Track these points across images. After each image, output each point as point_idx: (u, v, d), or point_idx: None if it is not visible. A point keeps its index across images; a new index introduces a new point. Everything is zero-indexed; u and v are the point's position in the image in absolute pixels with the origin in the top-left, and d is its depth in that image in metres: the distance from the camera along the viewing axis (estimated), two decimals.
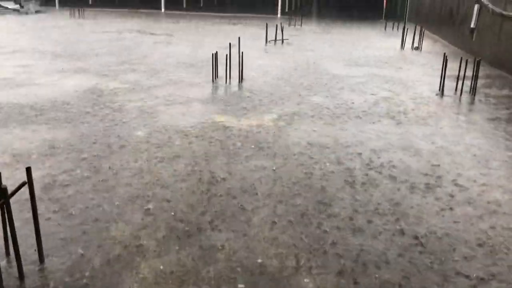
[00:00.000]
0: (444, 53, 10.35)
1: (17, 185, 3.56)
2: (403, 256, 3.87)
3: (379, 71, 12.20)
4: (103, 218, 4.34)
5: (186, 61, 13.01)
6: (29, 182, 3.44)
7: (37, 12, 28.75)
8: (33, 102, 8.26)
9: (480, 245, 4.07)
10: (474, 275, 3.64)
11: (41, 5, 31.43)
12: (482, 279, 3.60)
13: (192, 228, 4.22)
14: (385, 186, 5.20)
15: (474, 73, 9.57)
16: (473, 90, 9.65)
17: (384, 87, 10.33)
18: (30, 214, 3.83)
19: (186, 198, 4.79)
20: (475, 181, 5.42)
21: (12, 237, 3.37)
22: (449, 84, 10.26)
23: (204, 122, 7.40)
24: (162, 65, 12.30)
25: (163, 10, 33.01)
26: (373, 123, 7.60)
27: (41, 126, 6.98)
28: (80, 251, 3.81)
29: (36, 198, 3.66)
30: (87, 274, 3.53)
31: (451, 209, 4.72)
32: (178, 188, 5.02)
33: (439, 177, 5.50)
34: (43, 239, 3.72)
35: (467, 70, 9.77)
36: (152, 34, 19.38)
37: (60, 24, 22.53)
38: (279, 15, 31.34)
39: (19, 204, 4.41)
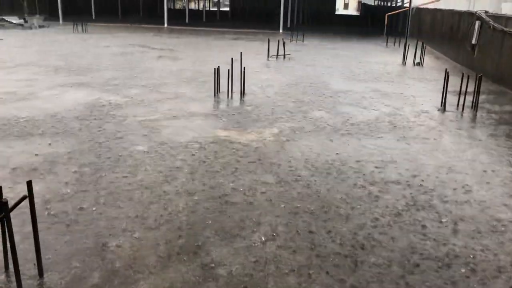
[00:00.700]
0: (446, 69, 10.39)
1: (17, 199, 3.54)
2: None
3: (380, 87, 12.23)
4: (104, 233, 4.31)
5: (188, 75, 13.07)
6: (30, 195, 3.42)
7: (40, 27, 29.02)
8: (35, 116, 8.28)
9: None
10: None
11: (45, 19, 31.75)
12: None
13: (190, 246, 4.19)
14: (385, 201, 5.16)
15: (476, 89, 9.58)
16: (475, 106, 9.66)
17: (386, 102, 10.35)
18: (30, 228, 3.81)
19: (188, 215, 4.76)
20: (477, 197, 5.38)
21: (12, 251, 3.34)
22: (451, 100, 10.28)
23: (206, 136, 7.39)
24: (164, 79, 12.36)
25: (165, 25, 33.31)
26: (375, 138, 7.59)
27: (43, 140, 6.98)
28: (79, 265, 3.78)
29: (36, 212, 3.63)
30: None
31: (453, 224, 4.68)
32: (178, 203, 4.99)
33: (440, 192, 5.47)
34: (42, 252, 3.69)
35: (468, 86, 9.79)
36: (154, 48, 19.52)
37: (64, 39, 22.72)
38: (281, 31, 31.59)
39: (18, 219, 4.38)
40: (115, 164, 6.07)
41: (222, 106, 9.66)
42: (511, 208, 5.11)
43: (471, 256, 4.11)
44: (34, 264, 3.67)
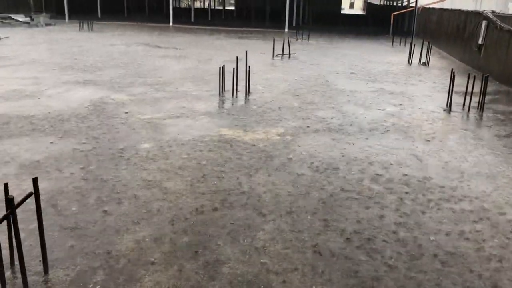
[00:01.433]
0: (452, 69, 10.34)
1: (23, 196, 3.55)
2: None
3: (386, 86, 12.19)
4: (109, 230, 4.32)
5: (194, 74, 13.09)
6: (36, 192, 3.44)
7: (47, 25, 29.13)
8: (40, 114, 8.32)
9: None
10: None
11: (51, 18, 31.85)
12: None
13: (197, 245, 4.19)
14: (391, 200, 5.15)
15: (482, 89, 9.53)
16: (481, 106, 9.61)
17: (391, 102, 10.31)
18: (35, 225, 3.83)
19: (193, 213, 4.76)
20: (483, 198, 5.36)
21: (18, 248, 3.36)
22: (457, 100, 10.23)
23: (211, 135, 7.40)
24: (169, 78, 12.37)
25: (171, 23, 33.35)
26: (380, 138, 7.57)
27: (49, 138, 7.01)
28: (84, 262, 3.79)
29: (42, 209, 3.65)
30: (90, 286, 3.50)
31: (456, 225, 4.66)
32: (184, 201, 5.00)
33: (445, 193, 5.44)
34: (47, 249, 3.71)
35: (474, 86, 9.74)
36: (160, 47, 19.55)
37: (69, 37, 22.80)
38: (286, 30, 31.56)
39: (25, 215, 4.40)
40: (120, 162, 6.08)
41: (227, 105, 9.67)
42: None
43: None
44: (40, 260, 3.69)
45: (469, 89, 9.77)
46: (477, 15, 15.88)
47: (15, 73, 12.38)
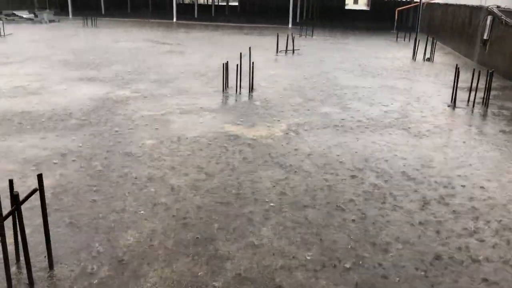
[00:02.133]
0: (456, 65, 10.29)
1: (28, 191, 3.57)
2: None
3: (390, 82, 12.15)
4: (115, 226, 4.34)
5: (197, 70, 13.08)
6: (40, 189, 3.45)
7: (50, 21, 29.16)
8: (45, 110, 8.34)
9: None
10: None
11: (55, 14, 31.88)
12: None
13: (200, 239, 4.20)
14: (395, 197, 5.14)
15: (487, 85, 9.48)
16: (486, 102, 9.56)
17: (396, 98, 10.28)
18: (40, 220, 3.85)
19: (196, 208, 4.77)
20: (487, 193, 5.34)
21: (23, 243, 3.37)
22: (462, 96, 10.19)
23: (214, 131, 7.40)
24: (173, 74, 12.38)
25: (174, 19, 33.32)
26: (384, 134, 7.56)
27: (53, 134, 7.03)
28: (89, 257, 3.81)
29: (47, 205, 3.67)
30: (95, 281, 3.52)
31: (457, 220, 4.65)
32: (188, 196, 5.01)
33: (451, 189, 5.43)
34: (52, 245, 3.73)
35: (479, 81, 9.68)
36: (164, 43, 19.55)
37: (73, 33, 22.83)
38: (290, 25, 31.48)
39: (29, 211, 4.43)
40: (124, 158, 6.10)
41: (231, 101, 9.66)
42: None
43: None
44: (45, 256, 3.71)
45: (474, 85, 9.72)
46: (482, 10, 15.78)
47: (19, 69, 12.41)
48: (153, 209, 4.69)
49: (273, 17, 35.00)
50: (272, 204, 4.88)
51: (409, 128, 7.94)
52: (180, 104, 9.14)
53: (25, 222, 3.51)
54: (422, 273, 3.77)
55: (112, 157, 6.13)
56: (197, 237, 4.19)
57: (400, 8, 31.34)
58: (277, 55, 16.85)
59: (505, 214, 4.86)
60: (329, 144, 6.92)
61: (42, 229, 3.65)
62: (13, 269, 3.59)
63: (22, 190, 4.87)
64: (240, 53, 10.96)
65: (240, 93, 10.20)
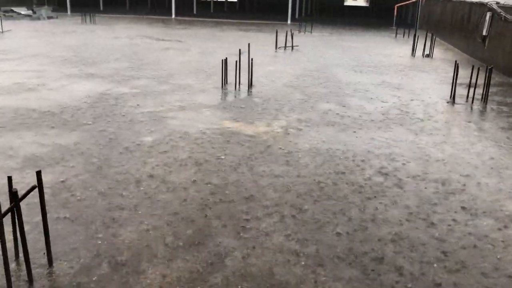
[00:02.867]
0: (455, 61, 10.28)
1: (27, 189, 3.56)
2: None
3: (389, 78, 12.14)
4: (114, 224, 4.34)
5: (196, 67, 13.06)
6: (39, 186, 3.45)
7: (49, 17, 29.06)
8: (44, 107, 8.33)
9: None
10: None
11: (53, 10, 31.78)
12: None
13: (198, 235, 4.21)
14: (395, 194, 5.15)
15: (486, 81, 9.48)
16: (485, 98, 9.56)
17: (395, 94, 10.27)
18: (39, 217, 3.84)
19: (194, 205, 4.77)
20: (486, 189, 5.35)
21: (22, 240, 3.37)
22: (461, 92, 10.18)
23: (213, 128, 7.40)
24: (172, 71, 12.35)
25: (173, 16, 33.23)
26: (384, 130, 7.55)
27: (52, 131, 7.02)
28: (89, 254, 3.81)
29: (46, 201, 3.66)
30: (95, 278, 3.52)
31: (456, 219, 4.66)
32: (186, 194, 5.01)
33: (449, 186, 5.44)
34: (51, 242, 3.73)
35: (479, 78, 9.68)
36: (162, 40, 19.50)
37: (72, 30, 22.76)
38: (289, 22, 31.41)
39: (28, 208, 4.42)
40: (123, 156, 6.09)
41: (230, 97, 9.65)
42: None
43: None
44: (44, 253, 3.71)
45: (473, 81, 9.71)
46: (482, 6, 15.75)
47: (18, 66, 12.38)
48: (151, 206, 4.69)
49: (272, 14, 34.96)
50: (267, 203, 4.88)
51: (409, 124, 7.93)
52: (179, 100, 9.13)
53: (24, 219, 3.50)
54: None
55: (111, 153, 6.12)
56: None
57: (399, 5, 31.29)
58: (276, 51, 16.82)
59: (504, 209, 4.86)
60: (328, 141, 6.92)
61: (41, 225, 3.65)
62: (12, 266, 3.59)
63: (21, 187, 4.87)
64: (239, 50, 10.94)
65: (239, 90, 10.18)
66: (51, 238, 3.69)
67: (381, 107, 9.09)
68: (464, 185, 5.46)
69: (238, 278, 3.59)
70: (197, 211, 4.63)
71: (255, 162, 5.97)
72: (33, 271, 3.50)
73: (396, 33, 24.35)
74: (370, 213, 4.69)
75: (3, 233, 3.16)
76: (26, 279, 3.45)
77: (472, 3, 17.36)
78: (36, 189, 3.44)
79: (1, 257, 3.24)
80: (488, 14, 14.69)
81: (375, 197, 5.06)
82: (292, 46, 17.40)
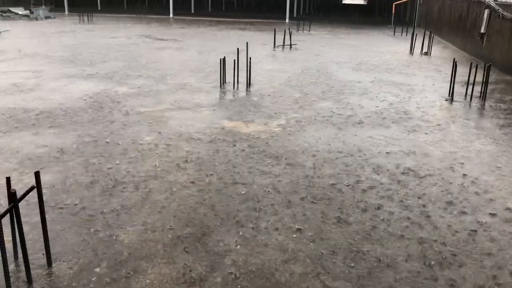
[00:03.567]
0: (454, 59, 10.28)
1: (25, 189, 3.55)
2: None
3: (388, 77, 12.14)
4: (113, 224, 4.34)
5: (194, 66, 13.04)
6: (38, 186, 3.44)
7: (46, 17, 28.99)
8: (42, 107, 8.31)
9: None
10: None
11: (50, 10, 31.68)
12: None
13: (197, 234, 4.20)
14: (393, 191, 5.15)
15: (484, 79, 9.48)
16: (484, 96, 9.57)
17: (393, 92, 10.27)
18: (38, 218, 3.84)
19: (194, 205, 4.77)
20: (484, 187, 5.35)
21: (21, 241, 3.36)
22: (459, 90, 10.18)
23: (212, 127, 7.39)
24: (170, 70, 12.33)
25: (171, 15, 33.17)
26: (382, 129, 7.55)
27: (50, 131, 7.01)
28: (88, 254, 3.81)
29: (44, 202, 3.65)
30: (94, 279, 3.52)
31: (459, 215, 4.66)
32: (186, 193, 5.00)
33: (449, 183, 5.44)
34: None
35: (477, 75, 9.68)
36: (160, 39, 19.47)
37: (69, 30, 22.71)
38: (287, 20, 31.38)
39: (27, 209, 4.41)
40: (122, 156, 6.08)
41: (228, 96, 9.64)
42: None
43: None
44: (43, 253, 3.70)
45: (471, 79, 9.72)
46: (479, 4, 15.75)
47: (16, 66, 12.35)
48: (150, 207, 4.69)
49: (270, 12, 34.90)
50: (265, 200, 4.88)
51: (407, 122, 7.93)
52: (178, 100, 9.12)
53: (23, 219, 3.50)
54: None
55: (109, 153, 6.11)
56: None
57: (397, 2, 31.27)
58: (274, 50, 16.81)
59: (503, 206, 4.87)
60: (326, 139, 6.91)
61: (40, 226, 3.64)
62: (11, 267, 3.58)
63: (19, 187, 4.86)
64: (237, 49, 10.93)
65: (237, 89, 10.17)
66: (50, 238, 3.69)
67: (379, 105, 9.09)
68: (462, 183, 5.46)
69: None
70: (196, 210, 4.62)
71: (254, 160, 5.96)
72: (32, 272, 3.49)
73: (394, 31, 24.35)
74: (369, 213, 4.70)
75: (2, 233, 3.15)
76: (25, 279, 3.45)
77: (470, 0, 17.36)
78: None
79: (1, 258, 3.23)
80: (486, 12, 14.69)
81: (373, 193, 5.06)
82: (291, 45, 17.39)
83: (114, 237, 4.09)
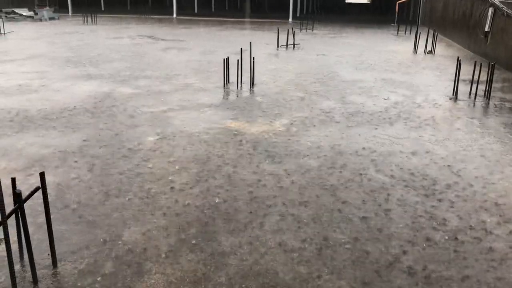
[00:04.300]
0: (458, 57, 10.25)
1: (31, 190, 3.57)
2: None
3: (391, 76, 12.12)
4: (117, 224, 4.35)
5: (198, 66, 13.06)
6: (43, 187, 3.46)
7: (50, 19, 29.11)
8: (47, 108, 8.35)
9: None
10: None
11: (54, 11, 31.81)
12: None
13: (199, 236, 4.21)
14: (396, 192, 5.14)
15: (489, 77, 9.45)
16: (488, 95, 9.53)
17: (397, 91, 10.25)
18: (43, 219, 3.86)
19: (195, 207, 4.78)
20: (489, 187, 5.34)
21: (26, 242, 3.38)
22: (463, 88, 10.15)
23: (215, 127, 7.40)
24: (173, 70, 12.36)
25: (174, 15, 33.23)
26: (386, 128, 7.54)
27: (55, 131, 7.04)
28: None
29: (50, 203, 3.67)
30: (99, 279, 3.54)
31: (461, 215, 4.65)
32: (189, 194, 5.01)
33: (453, 182, 5.42)
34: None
35: (481, 74, 9.64)
36: (164, 39, 19.51)
37: (73, 31, 22.79)
38: (290, 20, 31.37)
39: (32, 209, 4.44)
40: (126, 156, 6.10)
41: (232, 96, 9.65)
42: None
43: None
44: (48, 254, 3.72)
45: (476, 77, 9.68)
46: (484, 2, 15.69)
47: (20, 67, 12.41)
48: (153, 211, 4.70)
49: (273, 12, 34.88)
50: (269, 203, 4.89)
51: (411, 121, 7.92)
52: (181, 100, 9.13)
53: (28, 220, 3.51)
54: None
55: (113, 153, 6.13)
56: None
57: (400, 1, 31.19)
58: (278, 49, 16.81)
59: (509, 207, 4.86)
60: (330, 139, 6.91)
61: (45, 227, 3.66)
62: (17, 267, 3.60)
63: (25, 188, 4.88)
64: (241, 48, 10.94)
65: (241, 89, 10.18)
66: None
67: (383, 104, 9.07)
68: (468, 182, 5.45)
69: None
70: (200, 210, 4.64)
71: (258, 160, 5.97)
72: (37, 272, 3.51)
73: (398, 30, 24.29)
74: (371, 216, 4.70)
75: (8, 234, 3.17)
76: (31, 280, 3.47)
77: None
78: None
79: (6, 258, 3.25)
80: (490, 10, 14.63)
81: (378, 195, 5.06)
82: (294, 44, 17.38)
83: (119, 237, 4.10)
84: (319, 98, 9.48)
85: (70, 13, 34.54)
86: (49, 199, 3.69)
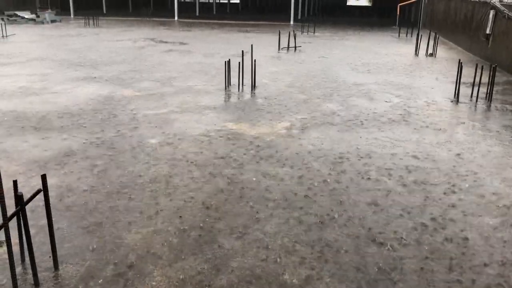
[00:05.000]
0: (459, 60, 10.25)
1: (32, 192, 3.58)
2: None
3: (393, 78, 12.12)
4: (119, 226, 4.36)
5: (199, 69, 13.08)
6: (44, 189, 3.46)
7: (52, 21, 29.17)
8: (48, 110, 8.36)
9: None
10: None
11: (56, 14, 31.88)
12: None
13: (203, 237, 4.22)
14: (399, 196, 5.14)
15: (490, 80, 9.45)
16: (489, 97, 9.53)
17: (398, 94, 10.25)
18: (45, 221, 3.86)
19: (198, 209, 4.78)
20: (490, 189, 5.33)
21: (28, 244, 3.39)
22: (465, 91, 10.15)
23: (217, 129, 7.40)
24: (175, 73, 12.38)
25: (176, 18, 33.29)
26: (387, 131, 7.54)
27: (57, 134, 7.05)
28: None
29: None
30: (100, 281, 3.54)
31: (466, 217, 4.65)
32: (191, 197, 5.02)
33: (454, 185, 5.42)
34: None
35: (483, 76, 9.64)
36: (165, 42, 19.55)
37: (75, 33, 22.84)
38: (291, 22, 31.41)
39: (33, 212, 4.44)
40: (128, 158, 6.11)
41: (233, 99, 9.66)
42: None
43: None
44: (50, 256, 3.73)
45: (477, 80, 9.68)
46: (485, 5, 15.70)
47: (22, 70, 12.44)
48: (155, 213, 4.71)
49: (274, 14, 34.96)
50: (272, 204, 4.89)
51: (412, 123, 7.91)
52: (183, 102, 9.15)
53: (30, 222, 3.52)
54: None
55: (115, 156, 6.14)
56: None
57: (402, 4, 31.23)
58: (279, 52, 16.82)
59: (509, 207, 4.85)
60: (332, 141, 6.91)
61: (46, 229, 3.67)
62: (18, 269, 3.60)
63: (26, 190, 4.89)
64: (242, 51, 10.95)
65: (242, 91, 10.19)
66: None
67: (385, 106, 9.07)
68: (469, 185, 5.44)
69: None
70: (202, 213, 4.64)
71: (259, 163, 5.97)
72: (39, 275, 3.51)
73: (399, 33, 24.31)
74: (373, 219, 4.69)
75: (9, 236, 3.18)
76: (32, 282, 3.47)
77: (475, 1, 17.30)
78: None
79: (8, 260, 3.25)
80: (492, 13, 14.64)
81: (381, 196, 5.06)
82: (295, 47, 17.40)
83: (121, 240, 4.11)
84: (320, 100, 9.48)
85: (72, 16, 34.63)
86: (51, 201, 3.69)
